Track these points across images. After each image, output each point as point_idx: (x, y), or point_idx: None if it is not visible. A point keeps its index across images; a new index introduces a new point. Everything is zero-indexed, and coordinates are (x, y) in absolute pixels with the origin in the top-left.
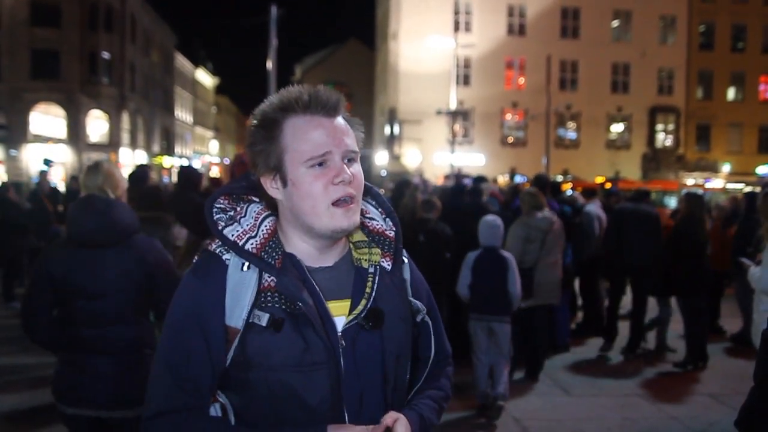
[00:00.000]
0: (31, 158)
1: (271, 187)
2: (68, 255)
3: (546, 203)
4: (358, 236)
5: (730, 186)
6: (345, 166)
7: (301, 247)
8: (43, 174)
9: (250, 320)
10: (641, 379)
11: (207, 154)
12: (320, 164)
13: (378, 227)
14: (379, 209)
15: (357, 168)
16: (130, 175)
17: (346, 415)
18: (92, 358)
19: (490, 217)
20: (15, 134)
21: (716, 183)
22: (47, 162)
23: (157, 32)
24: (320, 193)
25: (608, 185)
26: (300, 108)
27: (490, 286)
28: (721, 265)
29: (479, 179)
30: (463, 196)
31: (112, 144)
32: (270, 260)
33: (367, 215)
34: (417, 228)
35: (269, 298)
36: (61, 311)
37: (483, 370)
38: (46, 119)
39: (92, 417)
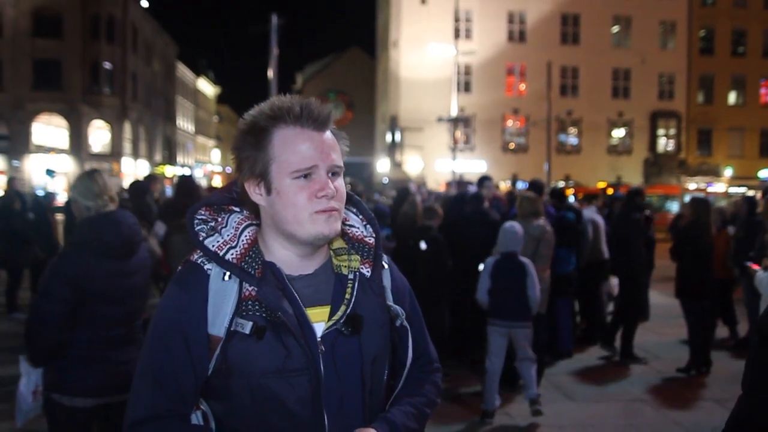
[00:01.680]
0: (34, 169)
1: (255, 192)
2: (93, 264)
3: (543, 210)
4: (338, 243)
5: (733, 190)
6: (329, 180)
7: (281, 254)
8: (50, 195)
9: (232, 328)
10: (645, 385)
11: (209, 163)
12: (305, 176)
13: (358, 234)
14: (360, 216)
15: (340, 182)
16: (131, 187)
17: (326, 419)
18: (123, 352)
19: (509, 224)
20: (17, 145)
21: (718, 187)
22: (50, 173)
23: (159, 42)
24: (303, 204)
25: (610, 191)
26: (291, 119)
27: (510, 292)
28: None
29: (484, 178)
30: (465, 204)
31: (114, 154)
32: (250, 270)
33: (347, 222)
34: (419, 235)
35: (250, 307)
36: (81, 315)
37: (494, 376)
38: (48, 129)
39: (100, 405)
